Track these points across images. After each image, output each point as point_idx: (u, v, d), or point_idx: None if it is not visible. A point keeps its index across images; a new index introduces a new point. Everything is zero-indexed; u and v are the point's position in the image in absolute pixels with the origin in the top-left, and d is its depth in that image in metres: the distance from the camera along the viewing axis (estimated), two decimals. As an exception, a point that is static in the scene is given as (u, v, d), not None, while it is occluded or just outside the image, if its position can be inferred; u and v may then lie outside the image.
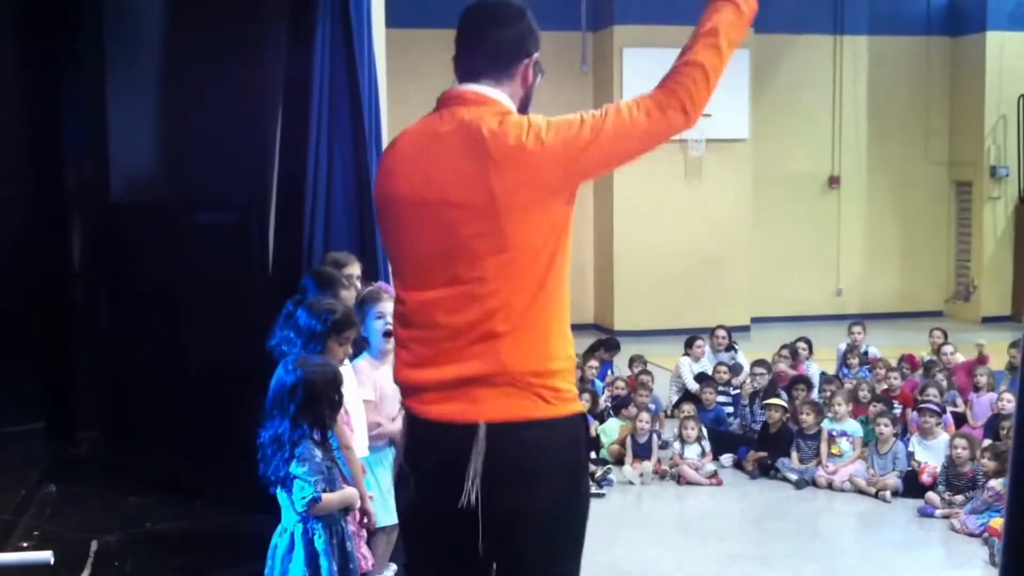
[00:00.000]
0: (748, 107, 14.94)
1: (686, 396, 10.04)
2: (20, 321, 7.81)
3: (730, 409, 9.71)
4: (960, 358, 10.17)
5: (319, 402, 4.18)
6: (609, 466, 8.45)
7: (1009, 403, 8.43)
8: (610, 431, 8.91)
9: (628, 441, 8.61)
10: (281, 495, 4.22)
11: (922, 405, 8.38)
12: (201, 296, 7.83)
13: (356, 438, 4.87)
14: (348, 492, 4.36)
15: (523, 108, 2.97)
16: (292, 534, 4.21)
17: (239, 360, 6.58)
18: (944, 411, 8.56)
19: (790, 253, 15.98)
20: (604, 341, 11.30)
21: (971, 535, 6.98)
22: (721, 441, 8.90)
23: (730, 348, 10.87)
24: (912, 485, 7.80)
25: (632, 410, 8.99)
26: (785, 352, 10.38)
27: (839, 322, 13.45)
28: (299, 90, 6.51)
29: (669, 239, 14.78)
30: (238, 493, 5.82)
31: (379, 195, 2.99)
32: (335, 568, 4.21)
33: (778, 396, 9.13)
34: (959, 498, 7.39)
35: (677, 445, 8.57)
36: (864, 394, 9.08)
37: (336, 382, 4.28)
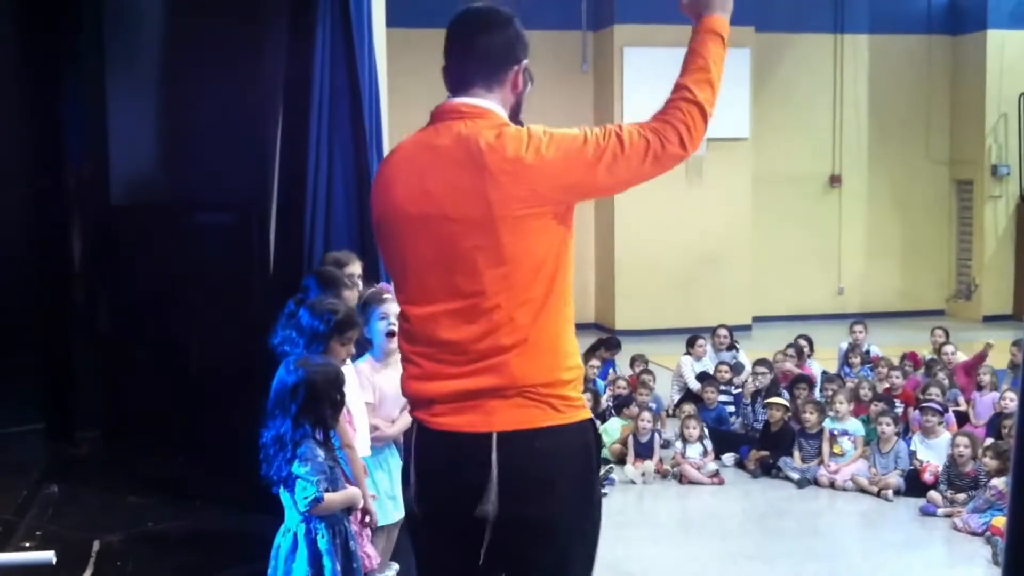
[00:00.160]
0: (749, 106, 14.94)
1: (688, 395, 10.04)
2: (20, 321, 7.80)
3: (732, 408, 9.71)
4: (961, 357, 10.17)
5: (321, 402, 4.17)
6: (611, 465, 8.44)
7: (1011, 402, 8.43)
8: (612, 430, 8.91)
9: (630, 440, 8.60)
10: (284, 495, 4.21)
11: (924, 404, 8.37)
12: (202, 296, 7.83)
13: (358, 437, 4.86)
14: (351, 492, 4.36)
15: (514, 115, 2.96)
16: (295, 534, 4.21)
17: (240, 360, 6.59)
18: (946, 410, 8.55)
19: (791, 252, 15.97)
20: (605, 340, 11.29)
21: (973, 534, 6.97)
22: (723, 440, 8.90)
23: (732, 347, 10.86)
24: (914, 484, 7.79)
25: (634, 409, 8.99)
26: (791, 351, 10.38)
27: (840, 321, 13.44)
28: (299, 90, 6.50)
29: (670, 238, 14.78)
30: (239, 493, 5.81)
31: (377, 210, 2.98)
32: (339, 568, 4.20)
33: (779, 395, 9.13)
34: (961, 496, 7.38)
35: (679, 444, 8.56)
36: (865, 393, 9.07)
37: (338, 382, 4.27)
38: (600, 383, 9.97)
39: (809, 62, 16.06)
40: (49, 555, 3.33)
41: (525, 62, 2.98)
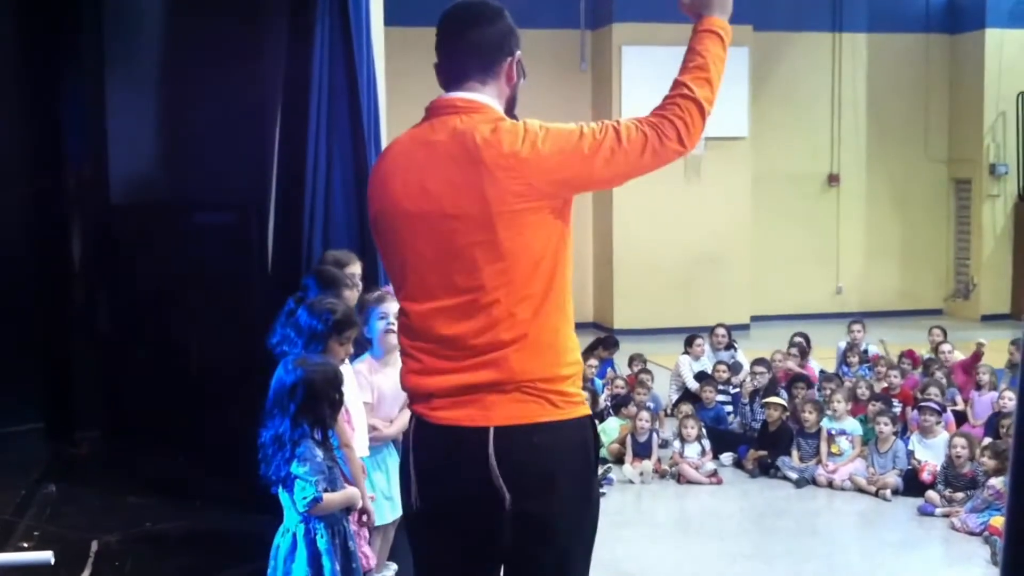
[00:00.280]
0: (747, 105, 14.95)
1: (686, 395, 10.05)
2: (20, 321, 7.81)
3: (730, 408, 9.71)
4: (959, 356, 10.18)
5: (319, 401, 4.18)
6: (609, 465, 8.45)
7: (1010, 401, 8.44)
8: (610, 430, 8.91)
9: (628, 440, 8.61)
10: (282, 495, 4.22)
11: (922, 403, 8.38)
12: (201, 296, 7.83)
13: (357, 437, 4.87)
14: (350, 492, 4.36)
15: (510, 110, 2.97)
16: (294, 534, 4.21)
17: (239, 360, 6.59)
18: (944, 410, 8.56)
19: (789, 251, 15.98)
20: (603, 340, 11.29)
21: (971, 534, 6.98)
22: (721, 440, 8.90)
23: (730, 347, 10.86)
24: (912, 484, 7.80)
25: (632, 409, 9.00)
26: (793, 350, 10.38)
27: (839, 320, 13.45)
28: (298, 89, 6.50)
29: (668, 237, 14.79)
30: (238, 493, 5.82)
31: (374, 207, 2.98)
32: (338, 568, 4.21)
33: (777, 395, 9.13)
34: (959, 495, 7.39)
35: (677, 444, 8.57)
36: (863, 392, 9.07)
37: (336, 381, 4.28)
38: (598, 382, 9.98)
39: (808, 61, 16.06)
40: (47, 555, 3.33)
41: (518, 54, 2.98)
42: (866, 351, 10.84)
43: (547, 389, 2.82)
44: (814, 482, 8.21)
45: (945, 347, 10.34)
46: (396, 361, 3.84)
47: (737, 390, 9.88)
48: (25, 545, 5.77)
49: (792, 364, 10.08)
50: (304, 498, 4.12)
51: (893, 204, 16.49)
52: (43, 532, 6.02)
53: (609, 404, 9.50)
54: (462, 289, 2.81)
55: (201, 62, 7.72)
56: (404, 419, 4.81)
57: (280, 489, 4.20)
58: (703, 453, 8.51)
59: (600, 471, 8.18)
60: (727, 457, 8.78)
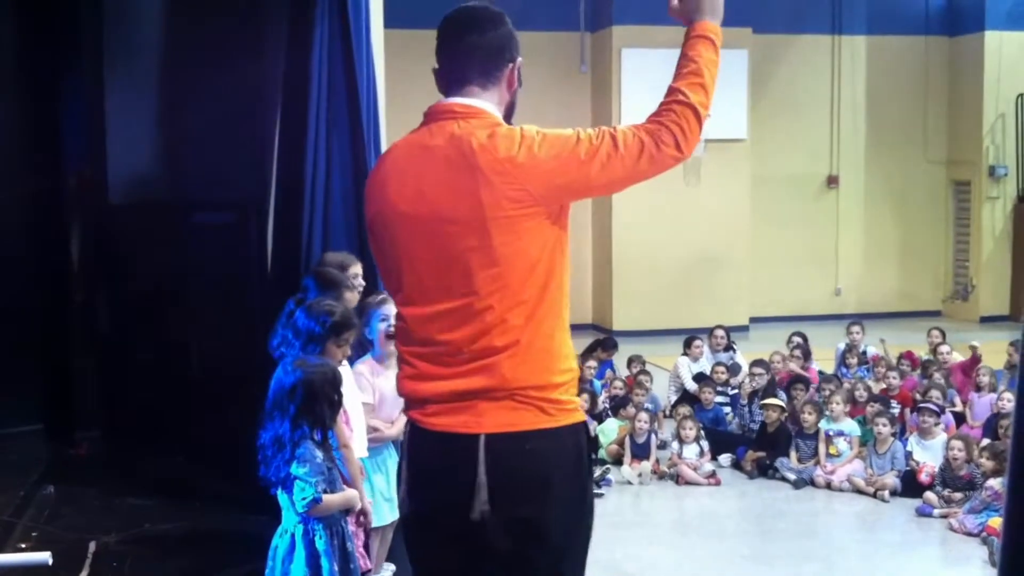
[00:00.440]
0: (746, 107, 14.96)
1: (684, 396, 10.05)
2: (20, 321, 7.81)
3: (728, 409, 9.72)
4: (957, 357, 10.18)
5: (319, 402, 4.18)
6: (607, 466, 8.46)
7: (1008, 402, 8.44)
8: (608, 431, 8.92)
9: (626, 441, 8.61)
10: (282, 496, 4.22)
11: (921, 405, 8.39)
12: (200, 296, 7.84)
13: (355, 438, 4.87)
14: (349, 494, 4.37)
15: (508, 115, 2.96)
16: (293, 535, 4.21)
17: (238, 360, 6.59)
18: (943, 411, 8.56)
19: (788, 253, 15.98)
20: (602, 341, 11.29)
21: (969, 535, 6.98)
22: (719, 441, 8.91)
23: (728, 348, 10.87)
24: (910, 485, 7.80)
25: (630, 410, 9.00)
26: (797, 352, 10.38)
27: (837, 322, 13.45)
28: (298, 90, 6.50)
29: (668, 239, 14.79)
30: (237, 494, 5.83)
31: (371, 211, 2.98)
32: (336, 569, 4.21)
33: (776, 396, 9.14)
34: (957, 496, 7.39)
35: (675, 445, 8.57)
36: (860, 394, 9.07)
37: (336, 382, 4.28)
38: (597, 384, 9.98)
39: (807, 63, 16.06)
40: (46, 556, 3.33)
41: (519, 60, 2.98)
42: (865, 352, 10.85)
43: (539, 397, 2.82)
44: (812, 483, 8.21)
45: (943, 348, 10.35)
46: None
47: (736, 391, 9.89)
48: (24, 546, 5.77)
49: (795, 366, 10.08)
50: (303, 499, 4.12)
51: (892, 206, 16.50)
52: (42, 533, 6.03)
53: (608, 405, 9.50)
54: (457, 294, 2.81)
55: (200, 62, 7.72)
56: (404, 420, 4.82)
57: (279, 490, 4.21)
58: (702, 454, 8.51)
59: (598, 472, 8.18)
60: (725, 458, 8.78)
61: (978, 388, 9.17)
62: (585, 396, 9.06)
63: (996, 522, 6.73)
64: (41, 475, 7.01)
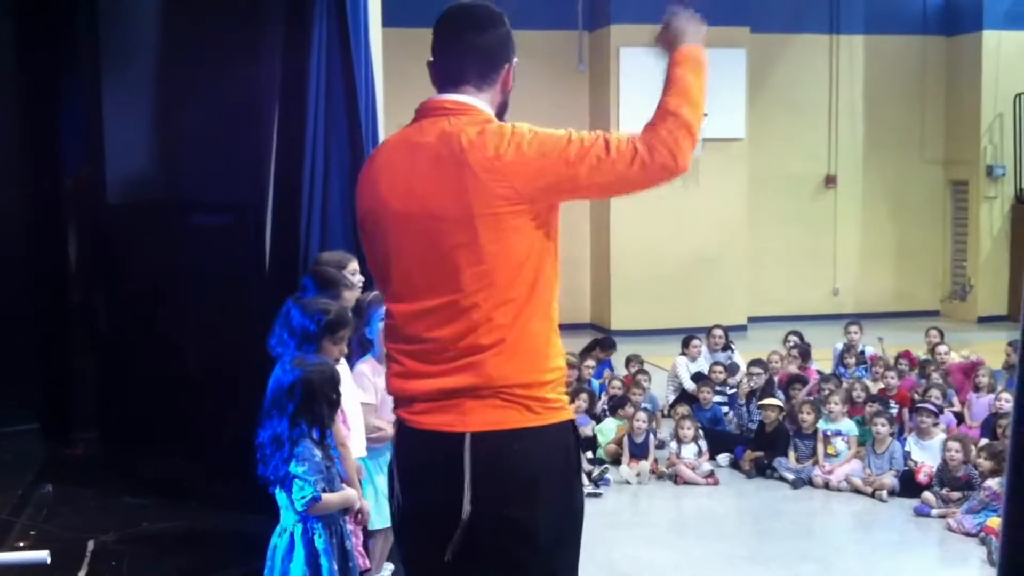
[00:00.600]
0: (744, 107, 14.96)
1: (683, 396, 10.05)
2: (17, 322, 7.81)
3: (726, 409, 9.72)
4: (955, 357, 10.18)
5: (317, 401, 4.18)
6: (606, 466, 8.45)
7: (1007, 403, 8.44)
8: (607, 431, 8.92)
9: (625, 441, 8.61)
10: (280, 495, 4.21)
11: (919, 405, 8.39)
12: (198, 297, 7.82)
13: (353, 437, 4.87)
14: (348, 493, 4.36)
15: (500, 114, 2.96)
16: (292, 534, 4.21)
17: (236, 360, 6.58)
18: (942, 411, 8.56)
19: (786, 253, 15.98)
20: (600, 340, 11.30)
21: (967, 534, 6.98)
22: (718, 441, 8.91)
23: (726, 348, 10.87)
24: (908, 485, 7.81)
25: (629, 410, 8.99)
26: (795, 351, 10.38)
27: (835, 321, 13.45)
28: (296, 90, 6.50)
29: (665, 238, 14.79)
30: (235, 493, 5.83)
31: (362, 207, 2.98)
32: (335, 567, 4.21)
33: (774, 396, 9.14)
34: (956, 495, 7.39)
35: (674, 445, 8.57)
36: (858, 394, 9.07)
37: (334, 381, 4.28)
38: (595, 383, 9.98)
39: (805, 63, 16.06)
40: (44, 555, 3.33)
41: (515, 61, 2.98)
42: (863, 352, 10.85)
43: (525, 395, 2.81)
44: (810, 483, 8.21)
45: (941, 348, 10.33)
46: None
47: (734, 391, 9.89)
48: (21, 545, 5.78)
49: (793, 368, 10.08)
50: (302, 498, 4.11)
51: (890, 205, 16.50)
52: (39, 532, 6.03)
53: (606, 405, 9.50)
54: (443, 291, 2.81)
55: (198, 63, 7.71)
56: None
57: (278, 489, 4.20)
58: (700, 454, 8.51)
59: (597, 472, 8.19)
60: (724, 458, 8.78)
61: (977, 388, 9.17)
62: (584, 395, 9.09)
63: (994, 522, 6.73)
64: (37, 475, 7.01)
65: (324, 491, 4.16)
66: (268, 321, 4.80)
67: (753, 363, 9.91)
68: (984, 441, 7.94)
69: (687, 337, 10.82)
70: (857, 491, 8.00)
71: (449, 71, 2.92)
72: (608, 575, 6.32)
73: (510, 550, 2.86)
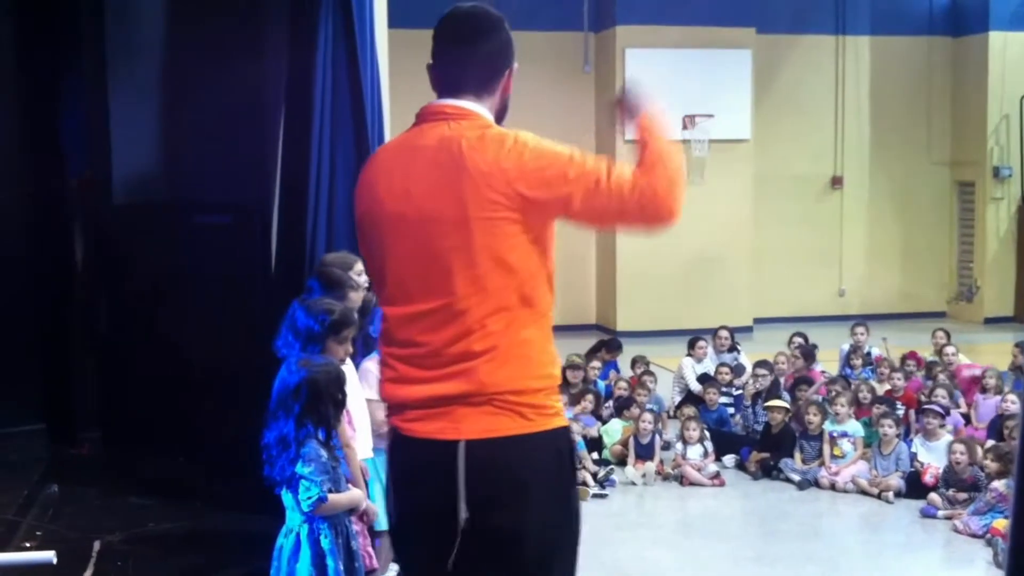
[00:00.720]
0: (750, 108, 14.95)
1: (689, 397, 10.03)
2: (22, 322, 7.81)
3: (732, 410, 9.70)
4: (963, 359, 10.16)
5: (323, 401, 4.18)
6: (612, 467, 8.44)
7: (1013, 404, 8.43)
8: (613, 432, 8.91)
9: (631, 442, 8.60)
10: (286, 496, 4.21)
11: (925, 406, 8.37)
12: (203, 297, 7.82)
13: (358, 438, 4.86)
14: (355, 494, 4.36)
15: (499, 118, 2.96)
16: (297, 534, 4.21)
17: (241, 361, 6.59)
18: (949, 412, 8.55)
19: (792, 254, 15.97)
20: (606, 342, 11.29)
21: (974, 536, 6.97)
22: (724, 442, 8.90)
23: (732, 349, 10.86)
24: (915, 486, 7.79)
25: (635, 411, 8.98)
26: (797, 353, 10.37)
27: (841, 323, 13.43)
28: (301, 90, 6.50)
29: (671, 240, 14.67)
30: (240, 493, 5.83)
31: (360, 209, 2.99)
32: (341, 568, 4.21)
33: (780, 397, 9.12)
34: (962, 497, 7.38)
35: (679, 446, 8.56)
36: (864, 396, 9.05)
37: (340, 381, 4.28)
38: (601, 384, 9.97)
39: (811, 64, 16.05)
40: (50, 555, 3.33)
41: (516, 65, 2.98)
42: (869, 353, 10.83)
43: (518, 402, 2.80)
44: (816, 484, 8.20)
45: (949, 349, 10.29)
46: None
47: (740, 392, 9.87)
48: (27, 545, 5.78)
49: (798, 366, 10.07)
50: (309, 498, 4.11)
51: (896, 207, 16.48)
52: (45, 532, 6.03)
53: (612, 406, 9.49)
54: (437, 295, 2.81)
55: (203, 63, 7.71)
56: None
57: (284, 490, 4.20)
58: (706, 455, 8.50)
59: (603, 473, 8.19)
60: (730, 459, 8.77)
61: (984, 390, 9.15)
62: (589, 396, 9.09)
63: (1001, 523, 6.72)
64: (43, 475, 7.02)
65: (330, 491, 4.16)
66: (273, 322, 4.80)
67: (758, 364, 9.90)
68: (991, 443, 7.92)
69: (693, 338, 10.81)
70: (863, 492, 7.99)
71: (449, 77, 2.91)
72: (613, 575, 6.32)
73: (504, 556, 2.85)
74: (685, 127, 14.46)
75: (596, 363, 10.31)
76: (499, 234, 2.76)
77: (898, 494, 7.83)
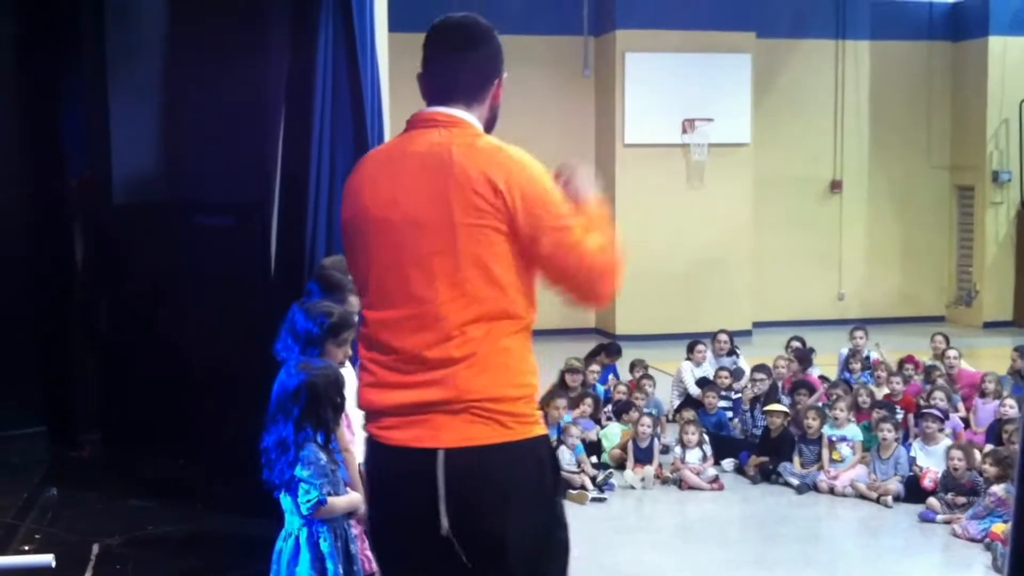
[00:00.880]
0: (750, 112, 14.95)
1: (688, 401, 10.03)
2: (21, 323, 7.80)
3: (731, 414, 9.70)
4: (963, 363, 10.15)
5: (322, 405, 4.18)
6: (610, 471, 8.44)
7: (1012, 408, 8.43)
8: (612, 436, 8.91)
9: (630, 445, 8.60)
10: (285, 499, 4.21)
11: (924, 410, 8.37)
12: (202, 298, 7.81)
13: (357, 441, 4.86)
14: (354, 497, 4.36)
15: (490, 127, 2.98)
16: (297, 538, 4.20)
17: (241, 361, 6.58)
18: (948, 416, 8.55)
19: (792, 257, 15.97)
20: (605, 346, 11.28)
21: (972, 540, 6.96)
22: (723, 446, 8.89)
23: (732, 353, 10.86)
24: (914, 490, 7.79)
25: (633, 414, 8.99)
26: (791, 355, 10.36)
27: (841, 326, 13.43)
28: (301, 92, 6.50)
29: (671, 243, 14.77)
30: (239, 496, 5.82)
31: (346, 214, 2.99)
32: (341, 571, 4.20)
33: (779, 401, 9.12)
34: (961, 501, 7.38)
35: (678, 450, 8.56)
36: (864, 400, 9.05)
37: (339, 384, 4.28)
38: (600, 388, 9.97)
39: (810, 68, 16.06)
40: (48, 558, 3.33)
41: (505, 74, 2.99)
42: (868, 357, 10.82)
43: (496, 410, 2.79)
44: (815, 488, 8.20)
45: (951, 353, 10.27)
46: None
47: (739, 396, 9.87)
48: (26, 548, 5.77)
49: (794, 368, 10.07)
50: (308, 501, 4.11)
51: (895, 211, 16.49)
52: (44, 535, 6.03)
53: (611, 410, 9.49)
54: (417, 299, 2.81)
55: (203, 63, 7.70)
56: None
57: (283, 493, 4.20)
58: (705, 459, 8.50)
59: (602, 476, 8.18)
60: (729, 463, 8.77)
61: (983, 394, 9.15)
62: (588, 400, 9.10)
63: (999, 528, 6.72)
64: (43, 477, 7.01)
65: (329, 495, 4.16)
66: (273, 323, 4.80)
67: (757, 368, 9.90)
68: (989, 447, 7.92)
69: (692, 342, 10.81)
70: (862, 496, 7.99)
71: (439, 86, 2.93)
72: (612, 580, 6.31)
73: (486, 565, 2.84)
74: (685, 131, 14.49)
75: (595, 367, 10.31)
76: (484, 242, 2.78)
77: (897, 498, 7.83)
